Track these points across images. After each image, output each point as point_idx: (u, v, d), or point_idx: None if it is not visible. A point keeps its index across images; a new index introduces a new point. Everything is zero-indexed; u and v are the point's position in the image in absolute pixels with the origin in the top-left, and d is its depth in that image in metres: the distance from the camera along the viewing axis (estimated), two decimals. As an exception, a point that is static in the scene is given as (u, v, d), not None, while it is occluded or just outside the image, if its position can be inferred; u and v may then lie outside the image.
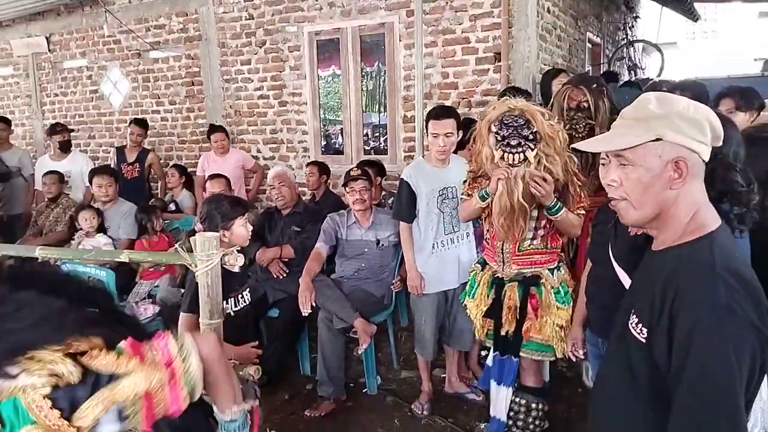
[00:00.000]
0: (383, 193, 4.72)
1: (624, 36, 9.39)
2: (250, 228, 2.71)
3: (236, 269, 2.36)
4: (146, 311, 3.88)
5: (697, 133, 1.20)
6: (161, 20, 6.67)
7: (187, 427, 1.43)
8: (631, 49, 9.70)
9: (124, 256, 2.34)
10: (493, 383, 2.84)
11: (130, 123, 5.88)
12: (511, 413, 2.77)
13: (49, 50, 7.51)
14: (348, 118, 5.87)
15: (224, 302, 2.27)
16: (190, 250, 1.95)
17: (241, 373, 2.12)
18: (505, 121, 2.42)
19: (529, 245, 2.63)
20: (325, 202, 4.80)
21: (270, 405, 3.47)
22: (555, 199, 2.45)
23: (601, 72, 7.30)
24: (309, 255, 3.71)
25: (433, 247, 3.28)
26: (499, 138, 2.43)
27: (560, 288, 2.63)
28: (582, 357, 2.57)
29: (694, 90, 3.38)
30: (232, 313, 2.49)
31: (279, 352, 3.74)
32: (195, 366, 1.30)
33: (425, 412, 3.39)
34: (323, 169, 5.04)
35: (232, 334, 2.26)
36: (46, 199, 5.03)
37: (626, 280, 1.82)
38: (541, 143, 2.39)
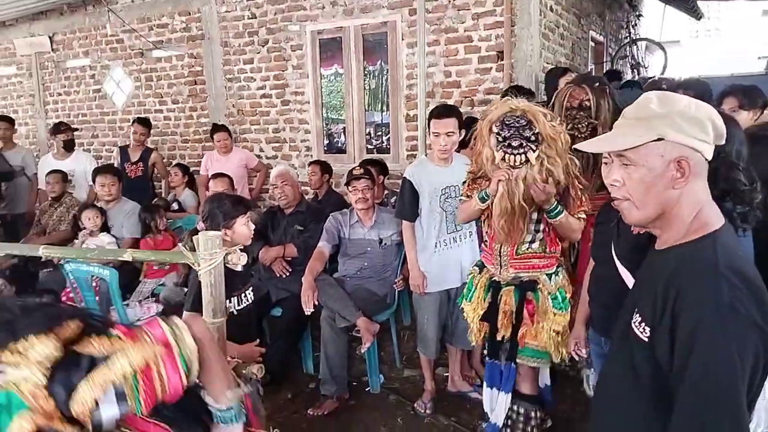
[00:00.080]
0: (385, 192, 4.72)
1: (627, 34, 9.37)
2: (253, 227, 2.72)
3: (239, 268, 2.36)
4: (149, 310, 3.90)
5: (699, 132, 1.20)
6: (164, 19, 6.68)
7: (185, 415, 1.44)
8: (635, 47, 9.67)
9: (127, 255, 2.35)
10: (485, 388, 2.81)
11: (133, 122, 5.89)
12: (509, 421, 2.72)
13: (52, 49, 7.52)
14: (350, 117, 5.87)
15: (227, 301, 2.28)
16: (193, 249, 1.96)
17: (244, 371, 2.12)
18: (507, 122, 2.36)
19: (527, 249, 2.58)
20: (328, 201, 4.81)
21: (273, 404, 3.47)
22: (555, 203, 2.42)
23: (604, 71, 7.29)
24: (312, 254, 3.72)
25: (436, 246, 3.28)
26: (500, 139, 2.38)
27: (558, 294, 2.58)
28: (585, 356, 2.57)
29: (697, 89, 3.37)
30: (235, 312, 2.49)
31: (282, 350, 3.74)
32: (189, 341, 1.31)
33: (428, 411, 3.40)
34: (325, 168, 5.04)
35: (236, 333, 2.27)
36: (50, 199, 5.04)
37: (629, 280, 1.82)
38: (543, 145, 2.35)
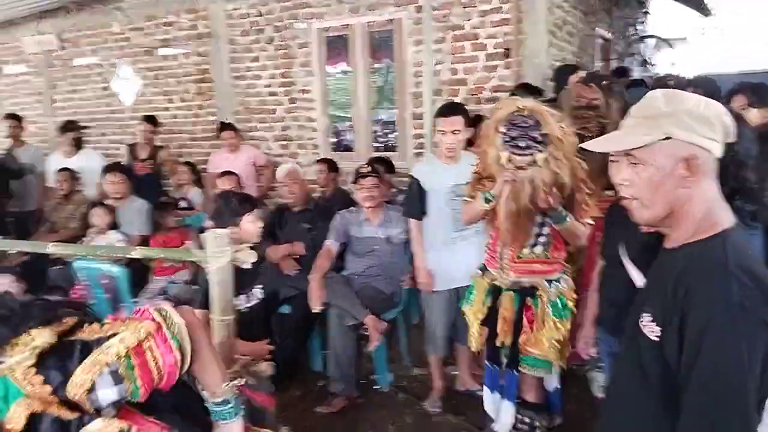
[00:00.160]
0: (392, 190, 4.72)
1: (635, 31, 9.32)
2: (261, 224, 2.73)
3: (247, 266, 2.37)
4: (158, 308, 3.91)
5: (707, 131, 1.19)
6: (171, 17, 6.69)
7: (184, 405, 1.45)
8: (642, 44, 9.62)
9: (135, 253, 2.37)
10: (485, 389, 2.79)
11: (141, 120, 5.91)
12: (514, 431, 2.66)
13: (60, 48, 7.55)
14: (357, 114, 5.87)
15: (236, 299, 2.29)
16: (202, 248, 1.97)
17: (254, 369, 2.14)
18: (514, 122, 2.27)
19: (529, 253, 2.52)
20: (335, 199, 4.81)
21: (282, 401, 3.47)
22: (560, 210, 2.35)
23: (612, 68, 7.26)
24: (319, 252, 3.72)
25: (444, 244, 3.27)
26: (506, 139, 2.28)
27: (558, 301, 2.51)
28: (594, 355, 2.56)
29: (706, 86, 3.37)
30: (245, 310, 2.50)
31: (290, 348, 3.75)
32: (177, 320, 1.33)
33: (437, 410, 3.40)
34: (332, 166, 5.04)
35: (245, 331, 2.28)
36: (59, 196, 5.07)
37: (638, 279, 1.82)
38: (551, 146, 2.26)
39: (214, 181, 4.97)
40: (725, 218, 1.23)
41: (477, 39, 5.08)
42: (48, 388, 1.15)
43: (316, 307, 3.49)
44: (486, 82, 5.10)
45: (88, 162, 5.54)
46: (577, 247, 2.64)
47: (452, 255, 3.26)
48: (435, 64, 5.21)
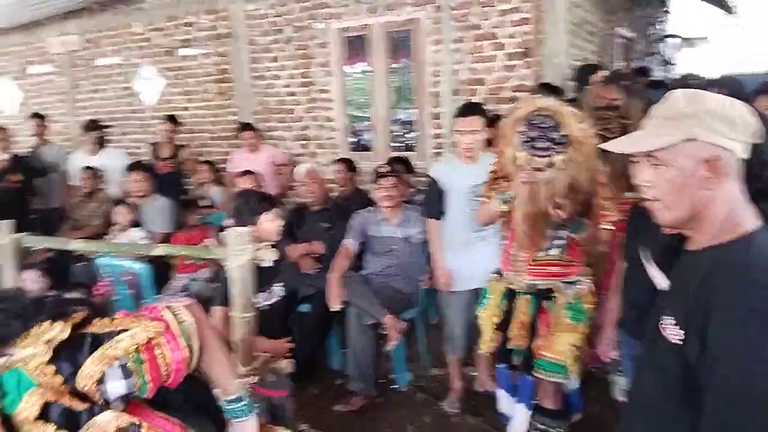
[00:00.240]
0: (411, 189, 4.73)
1: (655, 31, 9.23)
2: (280, 223, 2.75)
3: (267, 263, 2.38)
4: (179, 305, 3.95)
5: (730, 131, 1.17)
6: (191, 18, 6.76)
7: (199, 403, 1.48)
8: (663, 44, 9.53)
9: (158, 250, 2.41)
10: (498, 389, 2.78)
11: (163, 120, 5.98)
12: None
13: (83, 48, 7.66)
14: (376, 114, 5.88)
15: (256, 296, 2.31)
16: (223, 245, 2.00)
17: (274, 366, 2.16)
18: (533, 122, 2.19)
19: (544, 255, 2.47)
20: (354, 198, 4.83)
21: (300, 399, 3.50)
22: (576, 219, 2.31)
23: (633, 68, 7.20)
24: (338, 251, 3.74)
25: (463, 245, 3.26)
26: (525, 139, 2.20)
27: (575, 304, 2.46)
28: (616, 357, 2.53)
29: (730, 86, 3.33)
30: (266, 307, 2.52)
31: (309, 347, 3.77)
32: (186, 317, 1.36)
33: (455, 410, 3.40)
34: (351, 166, 5.05)
35: (265, 328, 2.30)
36: (83, 194, 5.14)
37: (659, 281, 1.80)
38: (570, 148, 2.18)
39: (234, 180, 5.02)
40: (749, 220, 1.21)
41: (496, 39, 5.07)
42: (59, 379, 1.19)
43: (334, 306, 3.51)
44: (505, 82, 5.09)
45: (111, 160, 5.61)
46: (595, 255, 2.57)
47: (471, 256, 3.25)
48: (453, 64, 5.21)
